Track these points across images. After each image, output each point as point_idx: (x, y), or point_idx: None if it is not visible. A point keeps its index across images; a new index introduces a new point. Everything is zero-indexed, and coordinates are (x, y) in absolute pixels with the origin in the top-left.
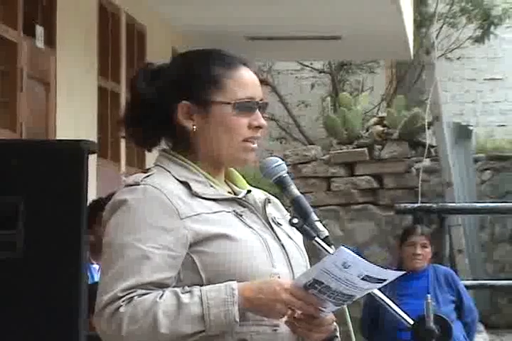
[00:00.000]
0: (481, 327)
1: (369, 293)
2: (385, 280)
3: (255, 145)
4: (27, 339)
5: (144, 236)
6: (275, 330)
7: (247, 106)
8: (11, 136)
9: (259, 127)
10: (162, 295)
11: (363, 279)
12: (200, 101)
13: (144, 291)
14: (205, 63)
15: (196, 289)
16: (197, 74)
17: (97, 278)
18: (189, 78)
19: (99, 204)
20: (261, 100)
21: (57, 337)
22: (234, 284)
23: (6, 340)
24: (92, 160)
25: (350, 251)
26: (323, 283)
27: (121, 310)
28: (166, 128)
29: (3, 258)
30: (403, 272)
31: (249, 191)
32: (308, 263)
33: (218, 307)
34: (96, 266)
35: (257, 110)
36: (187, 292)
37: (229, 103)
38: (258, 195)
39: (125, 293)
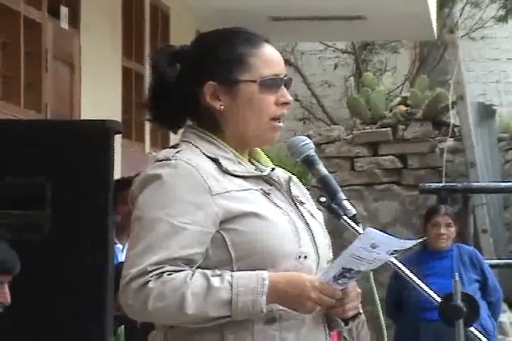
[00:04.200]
0: (505, 306)
1: (397, 274)
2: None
3: (281, 124)
4: (54, 320)
5: (175, 211)
6: None
7: (273, 83)
8: (36, 116)
9: (285, 103)
10: (192, 275)
11: (391, 254)
12: (227, 81)
13: (173, 268)
14: (229, 43)
15: (227, 274)
16: (221, 54)
17: (120, 259)
18: (214, 59)
19: (122, 184)
20: (285, 76)
21: (85, 317)
22: (265, 274)
23: (33, 322)
24: (117, 140)
25: (376, 231)
26: (353, 269)
27: (150, 285)
28: (191, 109)
29: (29, 239)
30: (423, 239)
31: (273, 169)
32: (330, 242)
33: (247, 296)
34: (120, 246)
35: (283, 86)
36: (217, 275)
37: (255, 81)
38: (281, 173)
39: (154, 267)
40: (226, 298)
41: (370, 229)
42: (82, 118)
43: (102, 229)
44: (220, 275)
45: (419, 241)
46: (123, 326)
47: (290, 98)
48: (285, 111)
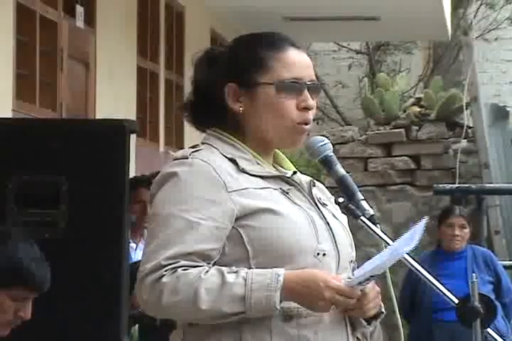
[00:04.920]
0: None
1: (410, 274)
2: None
3: (307, 127)
4: (67, 319)
5: (191, 207)
6: None
7: (292, 87)
8: (52, 115)
9: (307, 108)
10: (207, 271)
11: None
12: (246, 83)
13: (188, 263)
14: (252, 46)
15: (243, 271)
16: (242, 56)
17: (134, 258)
18: (236, 61)
19: (134, 183)
20: (311, 81)
21: (100, 316)
22: (280, 271)
23: (47, 321)
24: (132, 139)
25: (404, 250)
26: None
27: (164, 279)
28: (218, 111)
29: (45, 237)
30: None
31: (295, 172)
32: (353, 242)
33: (260, 291)
34: (133, 245)
35: (305, 91)
36: (233, 272)
37: (272, 83)
38: (303, 177)
39: (168, 262)
40: (240, 293)
41: (398, 248)
42: (97, 117)
43: (117, 228)
44: (235, 272)
45: (424, 221)
46: (137, 326)
47: (311, 103)
48: (310, 116)
